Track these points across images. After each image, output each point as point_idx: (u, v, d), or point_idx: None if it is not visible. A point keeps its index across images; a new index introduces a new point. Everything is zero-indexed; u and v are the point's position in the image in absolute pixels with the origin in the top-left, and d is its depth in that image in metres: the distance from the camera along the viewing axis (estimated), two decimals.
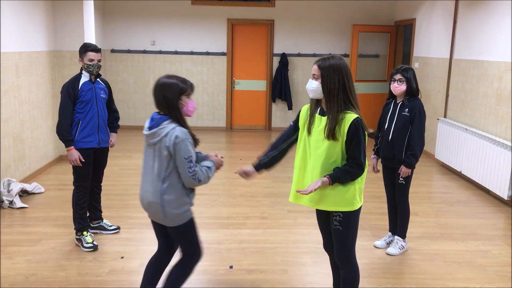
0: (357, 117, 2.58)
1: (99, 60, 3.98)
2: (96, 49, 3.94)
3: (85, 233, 4.05)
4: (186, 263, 2.87)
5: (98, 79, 4.10)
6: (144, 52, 9.23)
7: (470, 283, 3.60)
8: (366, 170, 2.73)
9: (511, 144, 5.23)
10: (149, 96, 9.34)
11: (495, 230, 4.67)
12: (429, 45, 7.66)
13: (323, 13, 9.25)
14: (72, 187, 4.11)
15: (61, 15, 6.62)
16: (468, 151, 6.09)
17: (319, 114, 2.70)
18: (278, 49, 9.39)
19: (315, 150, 2.69)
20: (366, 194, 5.48)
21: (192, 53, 9.32)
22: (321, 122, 2.67)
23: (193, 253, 2.87)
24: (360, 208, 2.77)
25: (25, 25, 5.80)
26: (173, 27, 9.22)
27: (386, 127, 3.96)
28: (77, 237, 4.06)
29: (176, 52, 9.29)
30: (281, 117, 9.64)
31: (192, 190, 2.82)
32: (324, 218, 2.88)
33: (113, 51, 9.22)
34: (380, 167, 4.16)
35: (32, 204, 5.07)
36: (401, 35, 9.24)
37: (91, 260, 3.82)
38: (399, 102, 3.90)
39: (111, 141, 4.29)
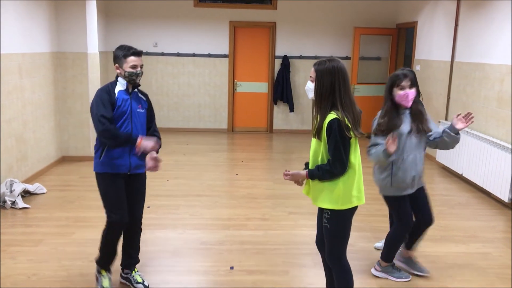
0: (336, 117, 2.63)
1: (141, 66, 3.25)
2: (139, 53, 3.23)
3: (103, 272, 3.40)
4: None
5: (136, 90, 3.34)
6: (147, 54, 9.26)
7: (470, 285, 3.61)
8: (355, 173, 2.76)
9: None
10: (151, 98, 9.34)
11: (496, 233, 4.68)
12: (431, 48, 7.68)
13: (325, 15, 9.27)
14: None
15: (64, 17, 6.66)
16: (469, 154, 6.10)
17: (316, 113, 2.82)
18: (280, 51, 9.42)
19: (311, 148, 2.85)
20: (366, 196, 5.51)
21: (194, 55, 9.35)
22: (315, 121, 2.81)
23: None
24: (349, 211, 2.80)
25: (28, 26, 5.83)
26: (176, 29, 9.25)
27: None
28: (96, 271, 3.44)
29: (178, 54, 9.32)
30: (282, 119, 9.66)
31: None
32: (320, 214, 2.97)
33: None
34: None
35: (34, 205, 5.09)
36: (403, 38, 9.27)
37: (92, 260, 3.82)
38: None
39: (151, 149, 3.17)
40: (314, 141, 2.80)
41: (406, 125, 3.39)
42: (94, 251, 3.98)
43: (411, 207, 3.54)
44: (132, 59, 3.17)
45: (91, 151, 7.00)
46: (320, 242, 3.05)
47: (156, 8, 9.13)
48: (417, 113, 3.40)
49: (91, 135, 6.98)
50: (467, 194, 5.84)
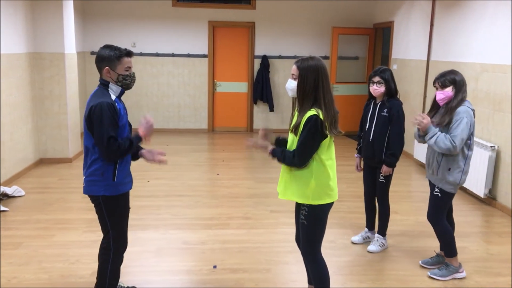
0: (314, 114, 2.67)
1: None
2: (131, 53, 2.93)
3: None
4: None
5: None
6: None
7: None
8: (326, 170, 2.79)
9: (487, 144, 5.38)
10: (130, 98, 9.29)
11: (472, 227, 4.80)
12: (407, 47, 7.81)
13: (303, 15, 9.35)
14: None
15: (41, 16, 6.56)
16: None
17: (297, 111, 2.85)
18: (259, 51, 9.45)
19: (289, 142, 2.89)
20: (346, 194, 5.60)
21: (173, 55, 9.32)
22: (295, 117, 2.85)
23: None
24: (325, 206, 2.85)
25: (3, 26, 5.73)
26: (154, 29, 9.20)
27: (367, 127, 4.05)
28: None
29: (157, 54, 9.27)
30: (262, 118, 9.69)
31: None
32: (297, 212, 3.02)
33: (93, 53, 9.15)
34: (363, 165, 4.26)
35: (13, 208, 5.02)
36: (380, 38, 9.40)
37: (74, 262, 3.81)
38: (379, 103, 3.99)
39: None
40: (291, 136, 2.86)
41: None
42: (75, 253, 3.96)
43: None
44: (127, 60, 2.87)
45: (69, 153, 6.92)
46: (299, 239, 3.09)
47: (134, 7, 9.06)
48: (443, 112, 3.52)
49: (70, 137, 6.90)
50: None
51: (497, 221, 4.99)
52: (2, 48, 5.69)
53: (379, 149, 3.96)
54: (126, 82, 2.92)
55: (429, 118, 3.52)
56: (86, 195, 3.01)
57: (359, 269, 3.84)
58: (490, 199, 5.45)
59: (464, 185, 5.78)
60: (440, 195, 3.57)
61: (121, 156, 2.85)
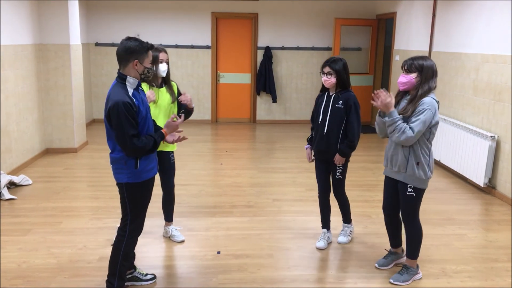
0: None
1: None
2: (153, 46, 3.05)
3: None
4: None
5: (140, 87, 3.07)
6: None
7: (447, 264, 3.78)
8: None
9: (487, 134, 5.44)
10: None
11: (472, 215, 4.87)
12: (409, 38, 7.85)
13: (306, 6, 9.38)
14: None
15: (46, 8, 6.63)
16: (446, 141, 6.29)
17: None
18: (262, 42, 9.50)
19: None
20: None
21: (176, 46, 9.37)
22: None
23: None
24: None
25: (9, 18, 5.80)
26: (158, 20, 9.26)
27: (320, 120, 3.87)
28: None
29: (160, 45, 9.29)
30: (265, 109, 9.76)
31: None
32: None
33: (97, 44, 9.23)
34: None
35: (21, 196, 5.12)
36: (383, 29, 9.43)
37: (81, 248, 3.91)
38: (332, 95, 3.84)
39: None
40: None
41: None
42: (82, 239, 4.07)
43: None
44: (150, 53, 2.94)
45: (75, 143, 7.02)
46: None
47: None
48: (408, 101, 3.27)
49: (75, 127, 7.00)
50: (445, 180, 6.04)
51: (496, 209, 5.06)
52: (8, 40, 5.77)
53: (334, 142, 3.80)
54: (148, 75, 2.97)
55: (393, 99, 3.21)
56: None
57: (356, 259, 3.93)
58: (489, 188, 5.52)
59: (464, 174, 5.86)
60: (414, 194, 3.34)
61: (146, 154, 2.92)
